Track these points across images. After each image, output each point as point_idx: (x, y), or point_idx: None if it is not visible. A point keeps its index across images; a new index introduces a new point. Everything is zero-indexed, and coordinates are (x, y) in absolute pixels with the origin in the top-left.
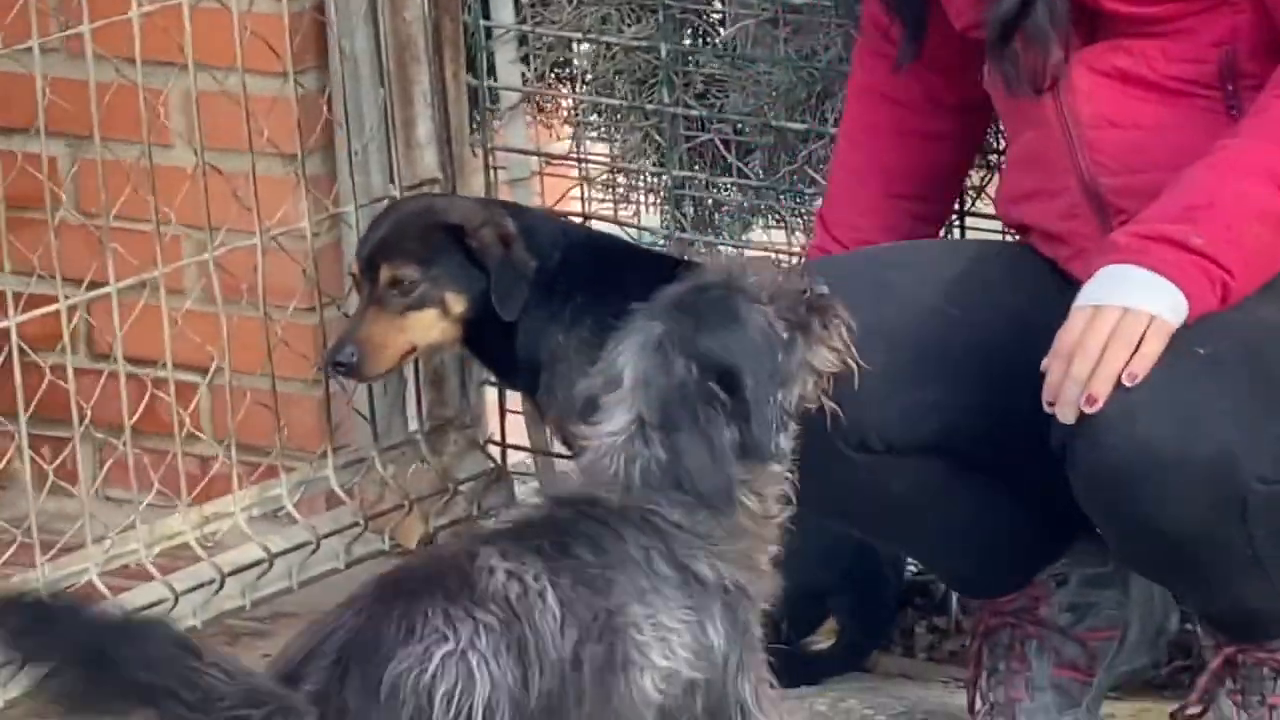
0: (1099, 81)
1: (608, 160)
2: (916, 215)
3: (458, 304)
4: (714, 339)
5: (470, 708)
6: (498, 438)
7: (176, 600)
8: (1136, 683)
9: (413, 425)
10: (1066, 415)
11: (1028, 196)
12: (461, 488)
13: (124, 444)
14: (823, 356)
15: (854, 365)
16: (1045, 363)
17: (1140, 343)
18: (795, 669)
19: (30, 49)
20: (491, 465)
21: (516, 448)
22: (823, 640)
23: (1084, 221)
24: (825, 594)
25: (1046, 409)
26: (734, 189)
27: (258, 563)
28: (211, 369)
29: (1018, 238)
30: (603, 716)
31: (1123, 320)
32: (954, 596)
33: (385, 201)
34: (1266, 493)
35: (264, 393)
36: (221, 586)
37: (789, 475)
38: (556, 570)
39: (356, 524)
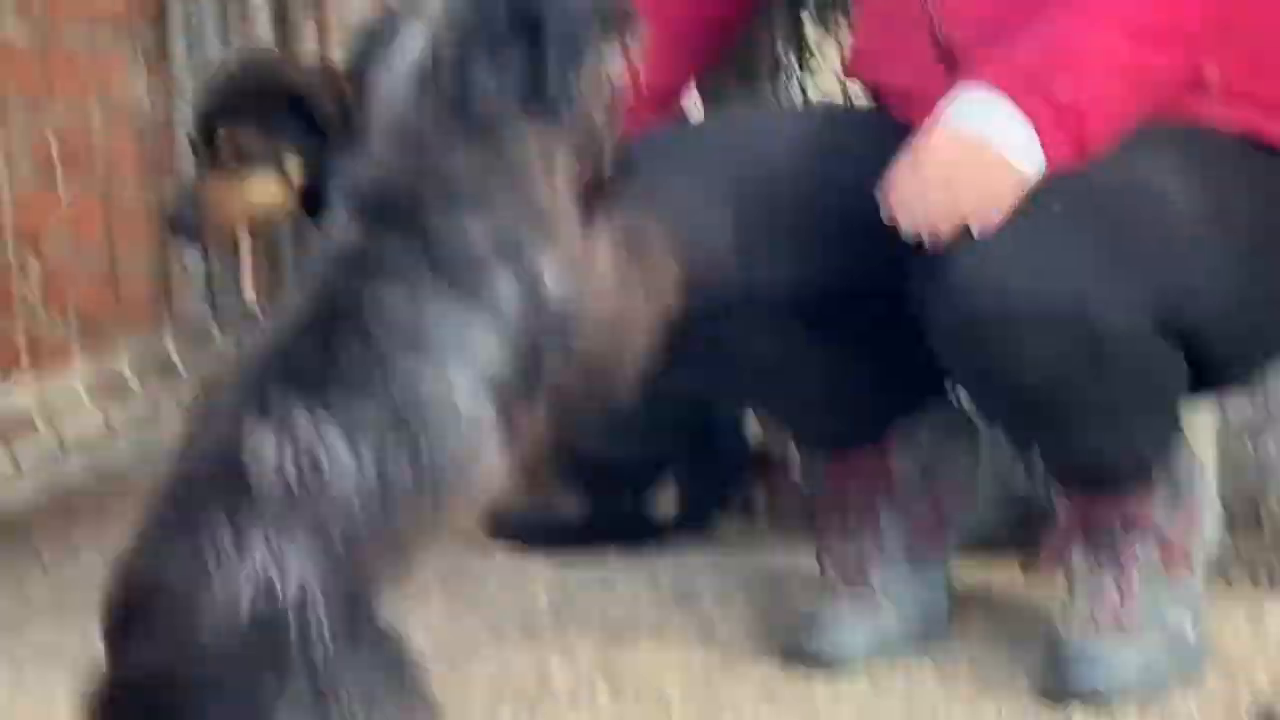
0: None
1: None
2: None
3: (296, 167)
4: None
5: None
6: None
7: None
8: (986, 544)
9: (249, 296)
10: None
11: (879, 55)
12: None
13: None
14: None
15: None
16: (894, 177)
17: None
18: (638, 533)
19: None
20: None
21: None
22: (665, 507)
23: (937, 81)
24: (665, 461)
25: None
26: None
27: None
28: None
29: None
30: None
31: (984, 159)
32: (796, 463)
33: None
34: (1119, 339)
35: (100, 263)
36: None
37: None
38: None
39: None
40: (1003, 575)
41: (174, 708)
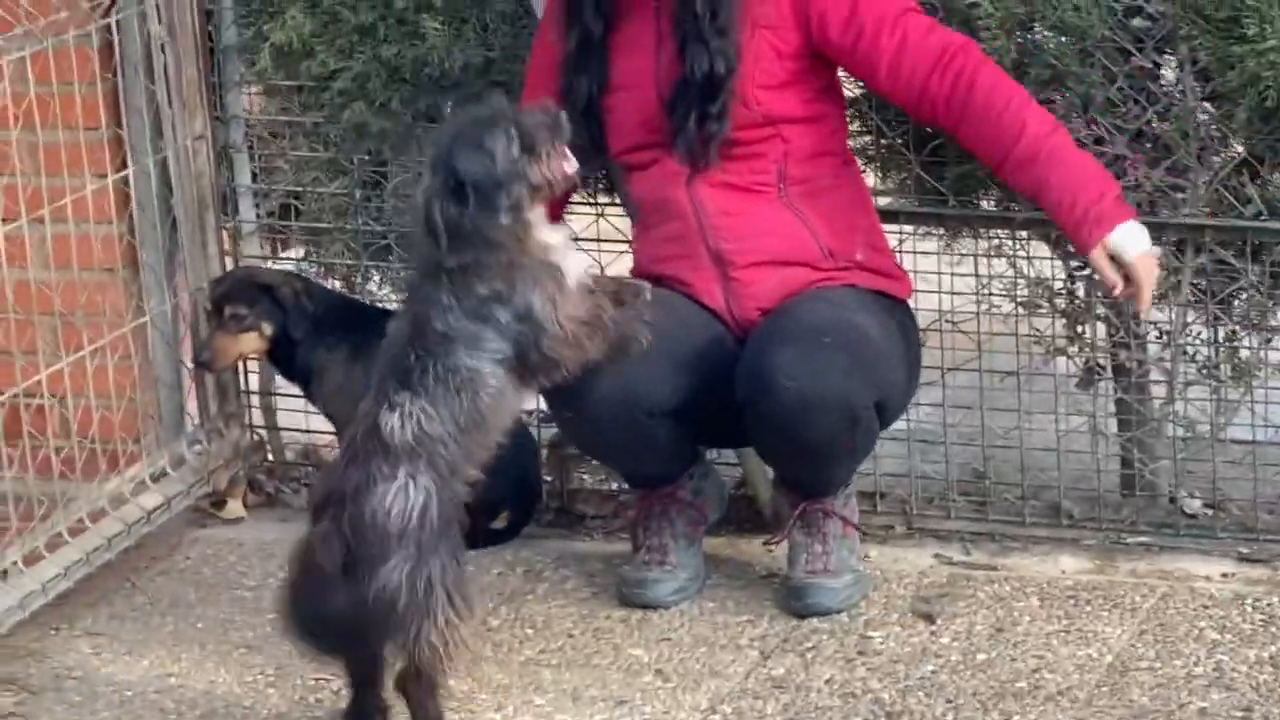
0: (716, 191)
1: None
2: None
3: (268, 329)
4: (457, 159)
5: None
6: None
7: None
8: (715, 527)
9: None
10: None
11: (666, 260)
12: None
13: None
14: (537, 171)
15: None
16: (1125, 289)
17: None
18: (483, 539)
19: None
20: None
21: (275, 428)
22: (500, 523)
23: (708, 273)
24: (506, 497)
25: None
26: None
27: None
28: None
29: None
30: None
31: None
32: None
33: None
34: (860, 414)
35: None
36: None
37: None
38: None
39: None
40: (731, 547)
41: (343, 551)
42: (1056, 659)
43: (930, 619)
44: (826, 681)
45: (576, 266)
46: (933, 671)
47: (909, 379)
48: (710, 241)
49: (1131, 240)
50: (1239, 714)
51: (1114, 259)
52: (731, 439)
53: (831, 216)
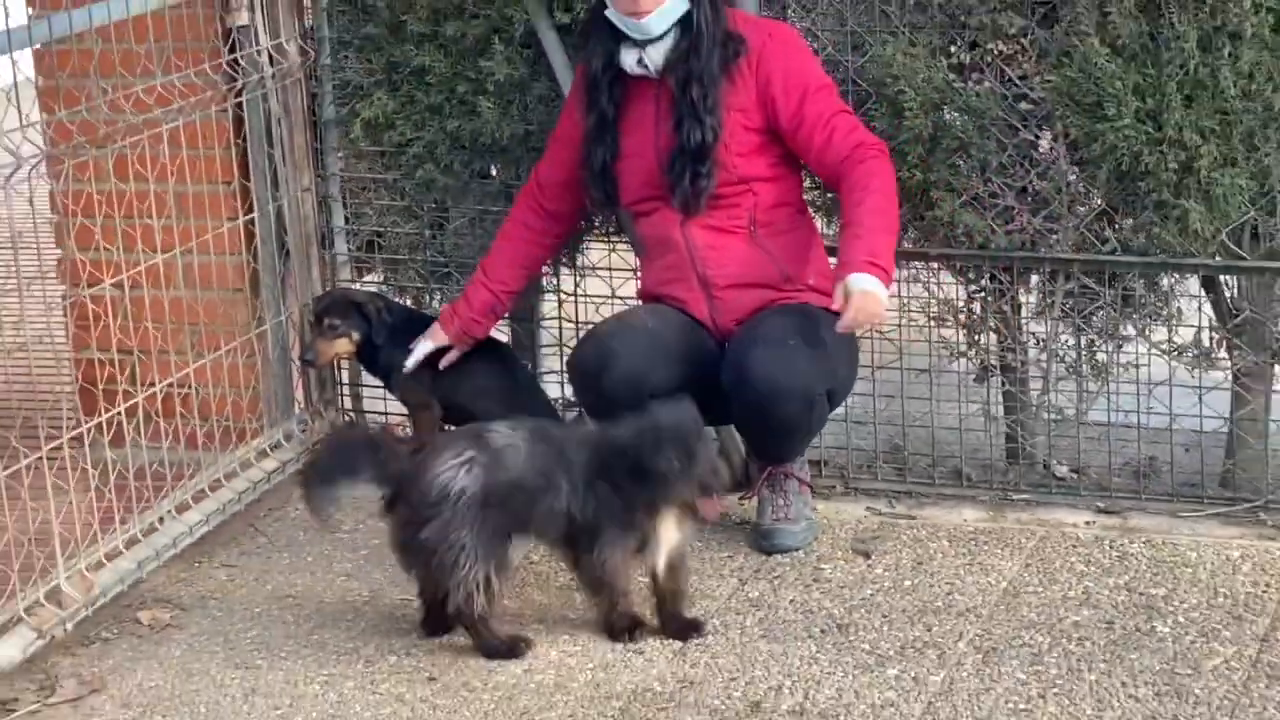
0: (703, 231)
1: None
2: (530, 279)
3: (356, 336)
4: (694, 447)
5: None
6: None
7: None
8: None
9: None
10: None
11: (666, 283)
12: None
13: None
14: (680, 490)
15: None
16: (852, 316)
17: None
18: None
19: None
20: (349, 419)
21: (361, 411)
22: None
23: (697, 293)
24: None
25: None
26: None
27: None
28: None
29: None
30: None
31: (873, 296)
32: None
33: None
34: (816, 401)
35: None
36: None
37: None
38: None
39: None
40: (728, 501)
41: (416, 524)
42: (964, 585)
43: (867, 555)
44: (790, 602)
45: (666, 540)
46: (871, 594)
47: (850, 374)
48: (699, 269)
49: (858, 282)
50: (1103, 625)
51: (847, 292)
52: (712, 418)
53: (790, 251)
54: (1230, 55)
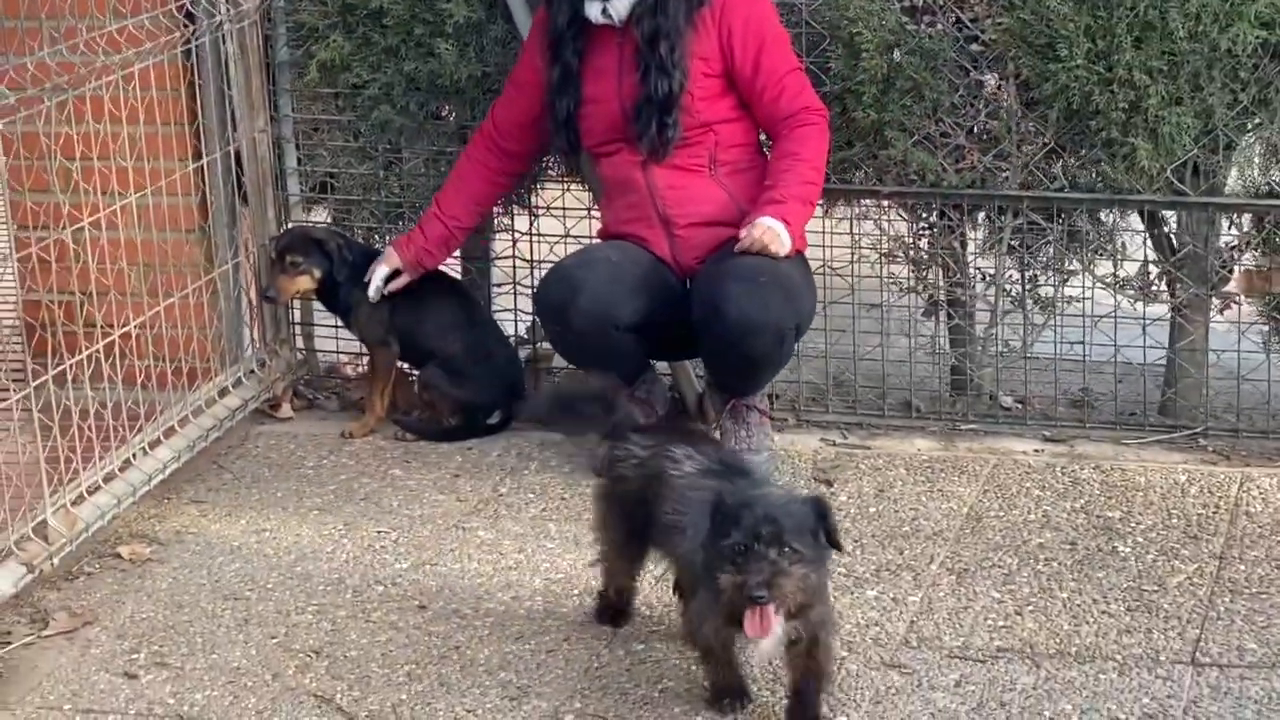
0: (664, 171)
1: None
2: (482, 216)
3: (317, 273)
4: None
5: None
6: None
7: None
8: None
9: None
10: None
11: (627, 222)
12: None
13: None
14: (733, 583)
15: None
16: (746, 241)
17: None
18: (482, 431)
19: None
20: (301, 356)
21: (313, 350)
22: (493, 420)
23: (658, 231)
24: (499, 400)
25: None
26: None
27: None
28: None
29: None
30: None
31: (776, 231)
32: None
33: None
34: (785, 335)
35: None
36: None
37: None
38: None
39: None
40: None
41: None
42: (927, 510)
43: (829, 484)
44: None
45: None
46: (838, 521)
47: (811, 309)
48: (660, 208)
49: (767, 220)
50: (1067, 546)
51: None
52: (671, 353)
53: (748, 189)
54: None
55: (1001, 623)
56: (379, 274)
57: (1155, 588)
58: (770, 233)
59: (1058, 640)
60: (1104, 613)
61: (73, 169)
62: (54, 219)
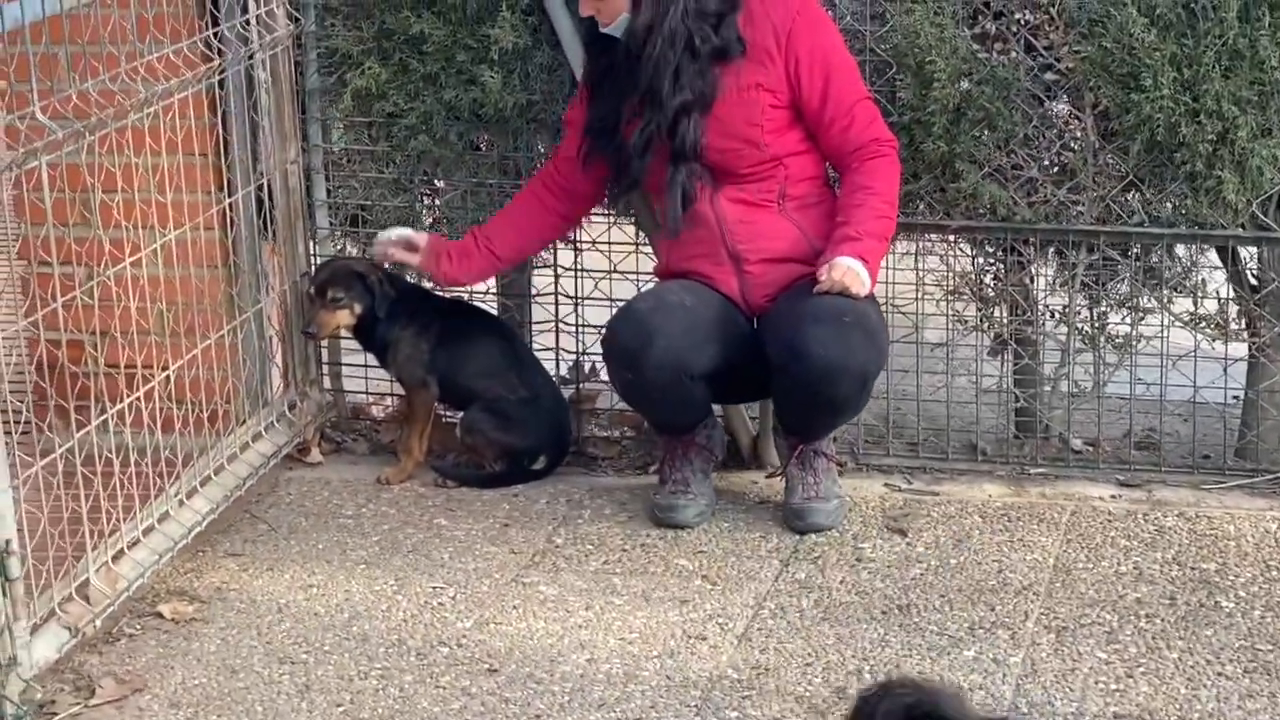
0: (732, 205)
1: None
2: (518, 246)
3: (358, 307)
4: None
5: None
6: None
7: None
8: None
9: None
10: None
11: (693, 258)
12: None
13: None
14: None
15: None
16: (826, 283)
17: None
18: (526, 477)
19: None
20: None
21: (342, 391)
22: (538, 465)
23: (727, 268)
24: (544, 444)
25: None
26: None
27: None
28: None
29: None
30: None
31: (856, 271)
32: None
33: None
34: (869, 380)
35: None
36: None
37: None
38: None
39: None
40: (741, 481)
41: None
42: (1011, 562)
43: (903, 533)
44: (840, 583)
45: None
46: (920, 574)
47: (886, 351)
48: (729, 244)
49: (847, 260)
50: (1166, 601)
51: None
52: (737, 396)
53: (818, 224)
54: (1270, 25)
55: (1114, 686)
56: (397, 230)
57: (1269, 646)
58: (850, 273)
59: (1177, 706)
60: (1220, 674)
61: (113, 203)
62: (73, 256)
